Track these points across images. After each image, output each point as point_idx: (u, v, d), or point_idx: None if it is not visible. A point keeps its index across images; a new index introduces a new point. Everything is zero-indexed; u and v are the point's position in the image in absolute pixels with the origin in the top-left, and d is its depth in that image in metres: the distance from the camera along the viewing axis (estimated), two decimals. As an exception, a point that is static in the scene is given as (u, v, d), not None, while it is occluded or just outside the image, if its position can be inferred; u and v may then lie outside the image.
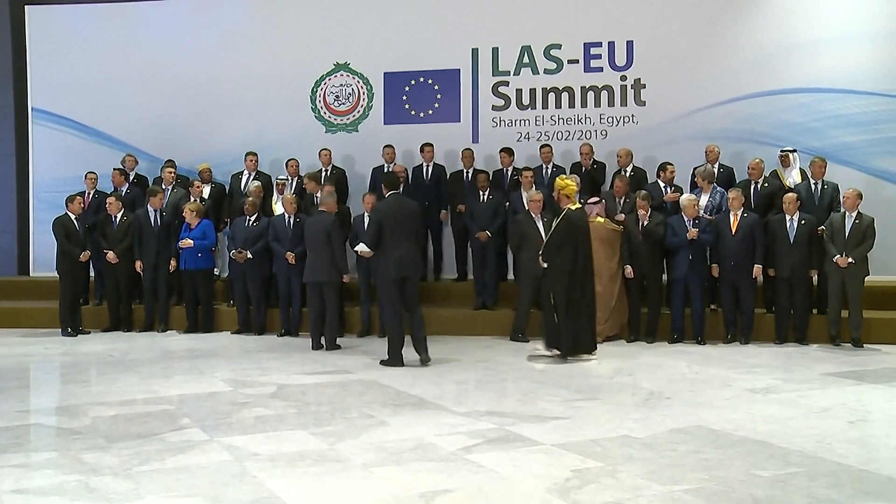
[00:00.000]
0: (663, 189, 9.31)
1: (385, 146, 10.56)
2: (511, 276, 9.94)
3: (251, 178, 10.48)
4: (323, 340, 8.51)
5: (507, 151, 10.23)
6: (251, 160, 10.59)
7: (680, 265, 8.61)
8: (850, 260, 8.22)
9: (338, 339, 8.61)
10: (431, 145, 10.49)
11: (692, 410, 5.71)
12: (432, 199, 10.31)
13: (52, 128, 12.10)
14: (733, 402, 6.02)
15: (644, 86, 10.69)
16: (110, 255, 9.77)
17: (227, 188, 10.63)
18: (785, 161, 9.26)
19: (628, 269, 8.63)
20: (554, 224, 7.84)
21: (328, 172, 10.39)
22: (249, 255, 9.36)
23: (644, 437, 5.04)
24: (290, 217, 9.38)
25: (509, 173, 10.07)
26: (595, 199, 8.88)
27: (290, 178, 10.45)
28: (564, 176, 8.42)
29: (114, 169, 10.73)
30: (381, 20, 11.36)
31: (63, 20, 12.11)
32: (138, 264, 9.78)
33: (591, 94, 10.84)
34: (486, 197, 9.60)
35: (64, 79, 12.00)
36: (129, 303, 9.96)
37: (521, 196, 9.40)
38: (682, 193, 9.00)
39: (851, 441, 4.98)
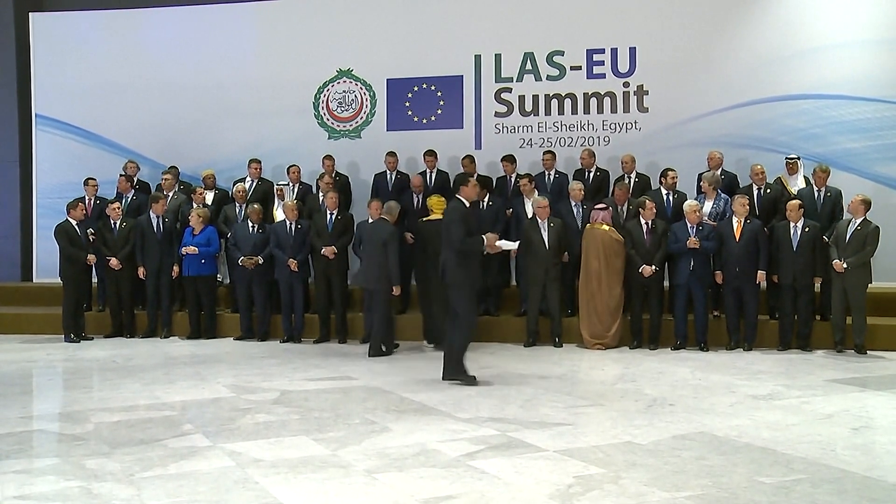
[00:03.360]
0: (665, 195, 9.29)
1: (387, 153, 10.54)
2: (514, 282, 9.96)
3: (254, 184, 10.51)
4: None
5: (509, 160, 10.19)
6: (255, 167, 10.59)
7: (682, 271, 8.60)
8: (844, 265, 8.17)
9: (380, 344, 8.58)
10: (434, 153, 10.42)
11: (695, 417, 5.70)
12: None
13: (55, 134, 12.09)
14: (737, 408, 6.00)
15: (647, 92, 10.68)
16: (113, 261, 9.77)
17: (230, 194, 10.52)
18: (792, 168, 9.25)
19: (647, 268, 8.56)
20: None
21: (332, 179, 10.34)
22: (260, 261, 9.38)
23: (647, 443, 5.03)
24: (291, 224, 9.42)
25: (512, 180, 10.02)
26: (602, 205, 8.89)
27: (291, 184, 10.42)
28: (435, 196, 8.87)
29: (120, 175, 10.78)
30: (383, 26, 11.35)
31: (67, 27, 12.11)
32: (141, 271, 9.79)
33: (593, 101, 10.84)
34: (486, 204, 9.52)
35: (68, 85, 12.00)
36: (131, 309, 9.98)
37: (523, 203, 9.42)
38: (700, 214, 8.81)
39: (855, 448, 4.96)
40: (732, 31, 10.54)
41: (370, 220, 8.91)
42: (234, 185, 10.40)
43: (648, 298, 8.74)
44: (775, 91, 10.29)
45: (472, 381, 6.83)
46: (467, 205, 6.97)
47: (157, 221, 9.85)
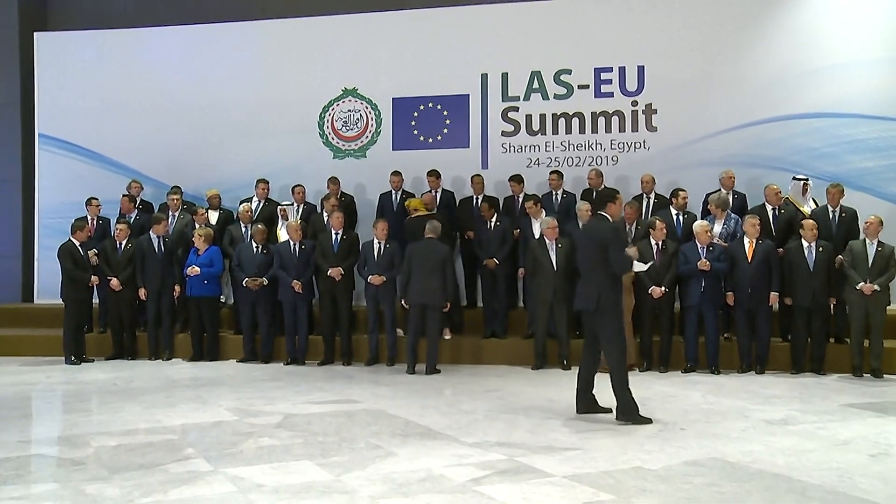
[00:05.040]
0: (675, 215, 9.27)
1: (392, 173, 10.58)
2: (521, 303, 10.00)
3: (261, 205, 10.55)
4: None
5: (517, 179, 10.22)
6: (262, 188, 10.62)
7: (693, 293, 8.58)
8: (875, 287, 8.14)
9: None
10: (437, 172, 10.47)
11: (707, 442, 5.65)
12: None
13: (58, 153, 12.10)
14: (750, 433, 5.94)
15: (655, 111, 10.68)
16: (114, 281, 9.78)
17: (235, 214, 10.56)
18: (805, 188, 9.22)
19: (656, 289, 8.52)
20: None
21: (338, 200, 10.36)
22: (265, 282, 9.40)
23: (658, 469, 4.97)
24: (295, 244, 9.44)
25: (520, 200, 10.03)
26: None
27: (295, 204, 10.43)
28: (415, 199, 9.17)
29: (123, 195, 10.79)
30: (389, 45, 11.40)
31: (72, 47, 12.16)
32: (142, 292, 9.80)
33: (601, 120, 10.84)
34: (493, 224, 9.59)
35: (71, 105, 12.05)
36: (132, 330, 9.97)
37: (531, 223, 9.42)
38: (711, 235, 8.77)
39: (874, 476, 4.88)
40: (744, 49, 10.52)
41: (374, 241, 9.11)
42: (240, 204, 10.44)
43: (659, 320, 8.70)
44: (788, 109, 10.26)
45: (646, 421, 6.24)
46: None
47: (158, 242, 9.87)
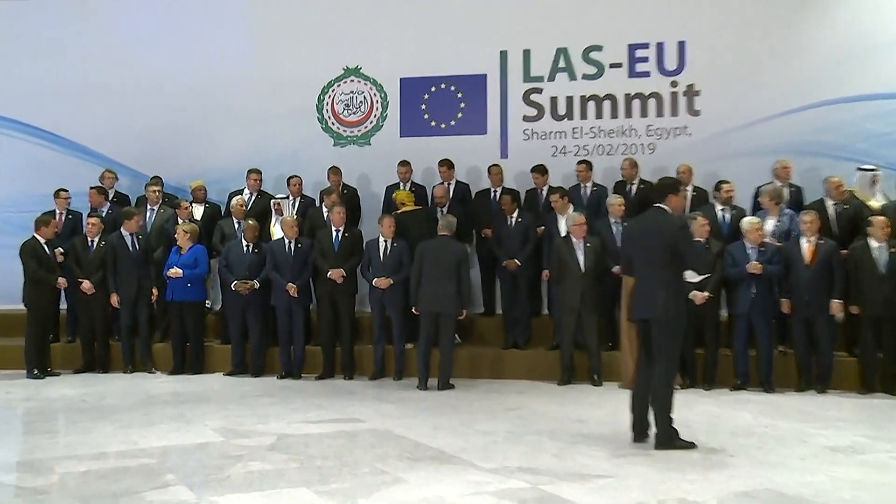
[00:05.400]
0: (719, 211, 9.25)
1: (400, 162, 10.60)
2: (546, 310, 9.99)
3: (253, 198, 10.57)
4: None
5: (540, 170, 10.20)
6: (254, 179, 10.63)
7: (742, 299, 8.52)
8: None
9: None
10: (450, 162, 10.49)
11: (760, 471, 5.58)
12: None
13: (18, 138, 12.10)
14: (810, 462, 5.88)
15: (698, 93, 10.67)
16: (86, 284, 9.78)
17: (224, 209, 10.63)
18: (874, 180, 9.16)
19: (699, 294, 8.37)
20: None
21: (340, 193, 10.38)
22: (256, 285, 9.42)
23: (703, 501, 4.91)
24: (290, 242, 9.45)
25: (544, 194, 10.04)
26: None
27: (291, 197, 10.51)
28: (403, 192, 9.57)
29: (91, 187, 10.72)
30: (396, 20, 11.42)
31: (32, 17, 12.10)
32: (114, 298, 9.76)
33: (636, 103, 10.83)
34: (514, 220, 9.60)
35: (33, 83, 11.95)
36: (105, 340, 9.96)
37: (556, 219, 9.42)
38: (763, 233, 8.71)
39: (957, 513, 4.85)
40: (800, 21, 10.47)
41: (379, 238, 9.20)
42: (229, 198, 10.49)
43: (702, 331, 8.64)
44: (853, 90, 10.21)
45: (688, 446, 6.19)
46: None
47: (132, 240, 9.84)
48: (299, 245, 9.44)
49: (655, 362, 6.26)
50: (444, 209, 9.97)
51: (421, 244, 8.99)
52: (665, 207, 6.34)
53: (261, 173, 10.71)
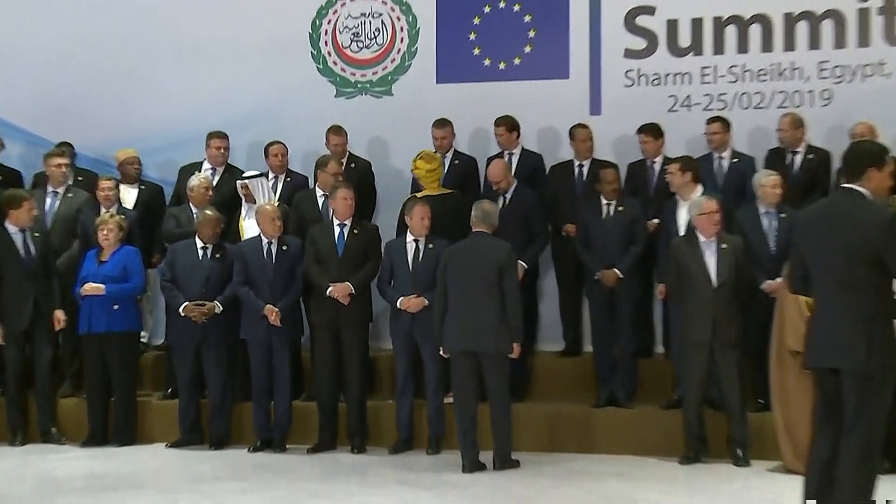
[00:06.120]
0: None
1: (436, 122, 10.53)
2: (660, 347, 10.05)
3: (220, 175, 10.63)
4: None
5: (652, 132, 10.05)
6: (217, 147, 10.62)
7: None
8: None
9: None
10: (512, 121, 10.38)
11: None
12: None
13: None
14: None
15: (902, 9, 10.71)
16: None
17: (171, 193, 10.70)
18: None
19: None
20: None
21: (342, 167, 10.39)
22: (219, 309, 9.38)
23: None
24: (270, 244, 9.36)
25: (657, 168, 9.99)
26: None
27: (271, 174, 10.48)
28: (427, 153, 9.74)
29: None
30: None
31: None
32: (-1, 332, 9.88)
33: (802, 27, 10.67)
34: (611, 209, 9.50)
35: None
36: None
37: (675, 207, 9.33)
38: None
39: None
40: None
41: (408, 238, 9.18)
42: (181, 174, 10.56)
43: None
44: None
45: None
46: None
47: (23, 239, 9.79)
48: (284, 247, 9.37)
49: (848, 432, 5.97)
50: (508, 195, 9.78)
51: (448, 249, 9.00)
52: (861, 190, 6.01)
53: (227, 139, 10.67)
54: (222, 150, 10.59)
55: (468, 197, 9.86)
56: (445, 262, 8.79)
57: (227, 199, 10.17)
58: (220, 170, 10.57)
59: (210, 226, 9.47)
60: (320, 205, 9.82)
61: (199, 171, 10.41)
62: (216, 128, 10.70)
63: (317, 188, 10.04)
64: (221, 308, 9.38)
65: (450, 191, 9.92)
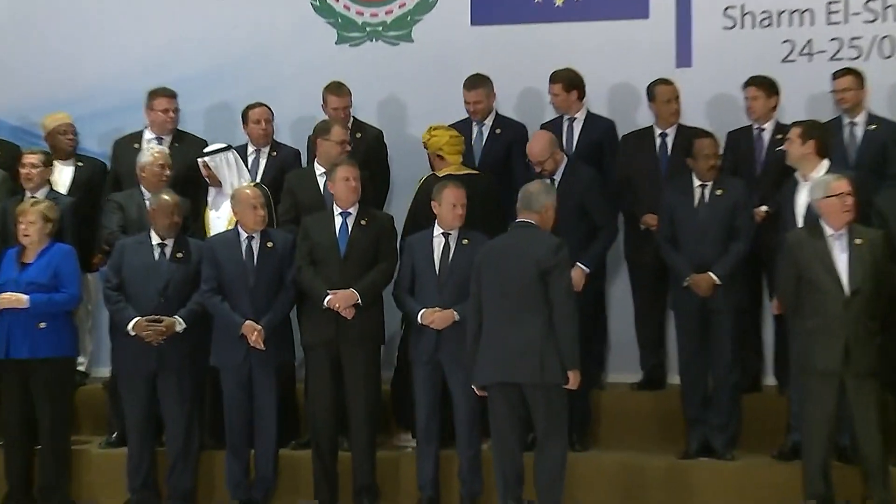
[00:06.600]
0: None
1: (469, 80, 10.52)
2: (771, 378, 10.03)
3: (166, 145, 10.67)
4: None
5: (764, 85, 9.97)
6: (164, 109, 10.60)
7: None
8: None
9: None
10: (570, 76, 10.32)
11: None
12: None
13: None
14: None
15: None
16: None
17: (112, 170, 10.72)
18: None
19: None
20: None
21: (347, 137, 10.29)
22: (178, 326, 9.30)
23: None
24: (250, 239, 9.28)
25: (766, 137, 9.89)
26: None
27: (251, 147, 10.50)
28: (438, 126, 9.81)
29: None
30: None
31: None
32: None
33: None
34: (706, 193, 9.41)
35: None
36: None
37: (794, 189, 9.14)
38: None
39: None
40: None
41: (436, 230, 9.17)
42: (115, 147, 10.71)
43: None
44: None
45: None
46: None
47: None
48: (268, 244, 9.30)
49: None
50: (557, 177, 9.69)
51: (483, 248, 8.87)
52: None
53: (175, 98, 10.69)
54: (170, 114, 10.58)
55: (505, 179, 9.94)
56: (479, 264, 8.65)
57: (183, 179, 10.15)
58: (168, 139, 10.58)
59: (165, 215, 9.32)
60: (321, 187, 9.71)
61: (141, 143, 10.43)
62: (176, 85, 10.69)
63: (315, 164, 9.96)
64: (184, 325, 9.31)
65: (476, 171, 9.88)
